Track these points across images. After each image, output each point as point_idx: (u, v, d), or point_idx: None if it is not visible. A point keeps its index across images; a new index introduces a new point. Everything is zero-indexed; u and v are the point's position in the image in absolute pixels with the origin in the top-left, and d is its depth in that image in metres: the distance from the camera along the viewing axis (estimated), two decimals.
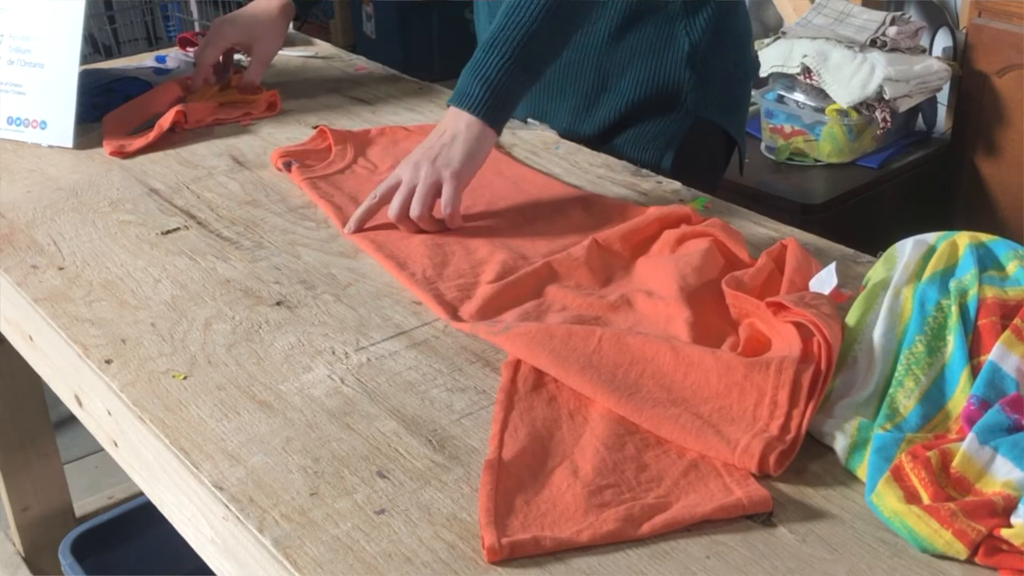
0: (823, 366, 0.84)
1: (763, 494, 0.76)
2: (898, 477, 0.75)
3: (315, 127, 1.44)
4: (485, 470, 0.78)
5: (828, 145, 2.44)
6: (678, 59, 1.40)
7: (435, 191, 1.14)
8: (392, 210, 1.15)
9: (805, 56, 2.42)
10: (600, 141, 1.46)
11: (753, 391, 0.83)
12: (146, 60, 1.74)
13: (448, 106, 1.20)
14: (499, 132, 1.20)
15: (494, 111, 1.18)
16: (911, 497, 0.74)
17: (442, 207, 1.14)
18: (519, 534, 0.73)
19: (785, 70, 2.46)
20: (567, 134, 1.46)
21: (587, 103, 1.44)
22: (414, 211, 1.14)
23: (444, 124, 1.19)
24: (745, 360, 0.85)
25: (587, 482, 0.77)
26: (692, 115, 1.43)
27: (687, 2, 1.39)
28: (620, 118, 1.44)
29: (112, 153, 1.40)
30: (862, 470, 0.78)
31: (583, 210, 1.20)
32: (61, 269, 1.11)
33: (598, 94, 1.43)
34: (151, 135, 1.43)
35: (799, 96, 2.47)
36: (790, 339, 0.87)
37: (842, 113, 2.40)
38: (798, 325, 0.87)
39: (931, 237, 0.96)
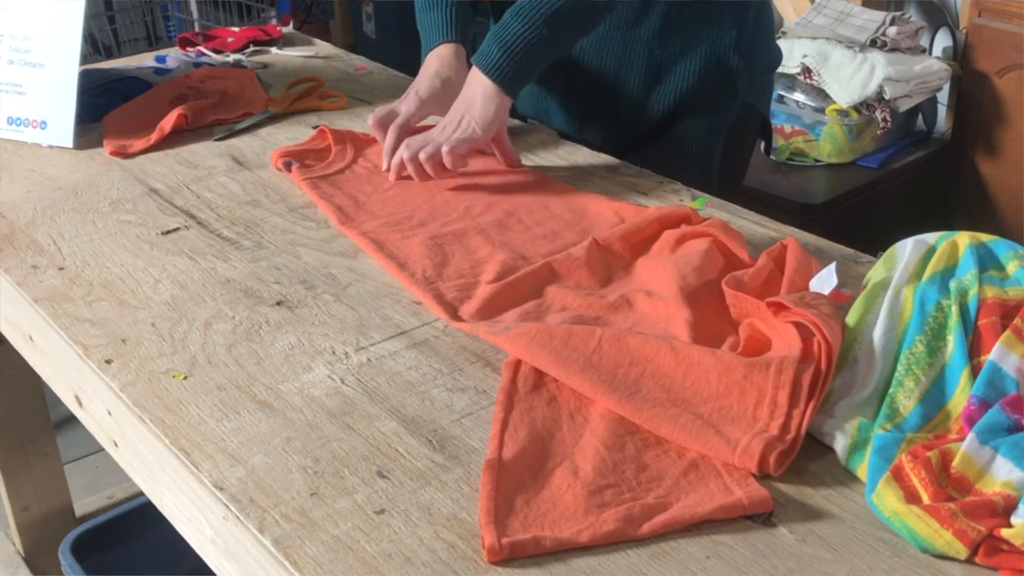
0: (823, 366, 0.84)
1: (763, 494, 0.76)
2: (898, 477, 0.75)
3: (315, 127, 1.44)
4: (485, 470, 0.78)
5: (828, 145, 2.44)
6: (728, 46, 1.40)
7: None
8: (408, 152, 1.25)
9: (805, 56, 2.42)
10: (654, 135, 1.46)
11: (753, 391, 0.83)
12: (146, 60, 1.74)
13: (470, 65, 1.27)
14: (514, 97, 1.26)
15: (511, 78, 1.24)
16: (911, 497, 0.74)
17: (444, 152, 1.23)
18: (519, 534, 0.73)
19: (785, 70, 2.46)
20: (621, 130, 1.46)
21: (641, 97, 1.44)
22: (423, 155, 1.23)
23: (468, 84, 1.27)
24: (745, 360, 0.85)
25: (587, 482, 0.77)
26: (740, 101, 1.44)
27: None
28: (674, 109, 1.43)
29: (113, 153, 1.40)
30: (862, 470, 0.78)
31: (582, 210, 1.20)
32: (61, 269, 1.11)
33: (651, 87, 1.43)
34: (152, 136, 1.43)
35: (799, 96, 2.47)
36: (790, 339, 0.87)
37: (842, 113, 2.40)
38: (798, 325, 0.87)
39: (931, 237, 0.96)
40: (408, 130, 1.33)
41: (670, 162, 1.35)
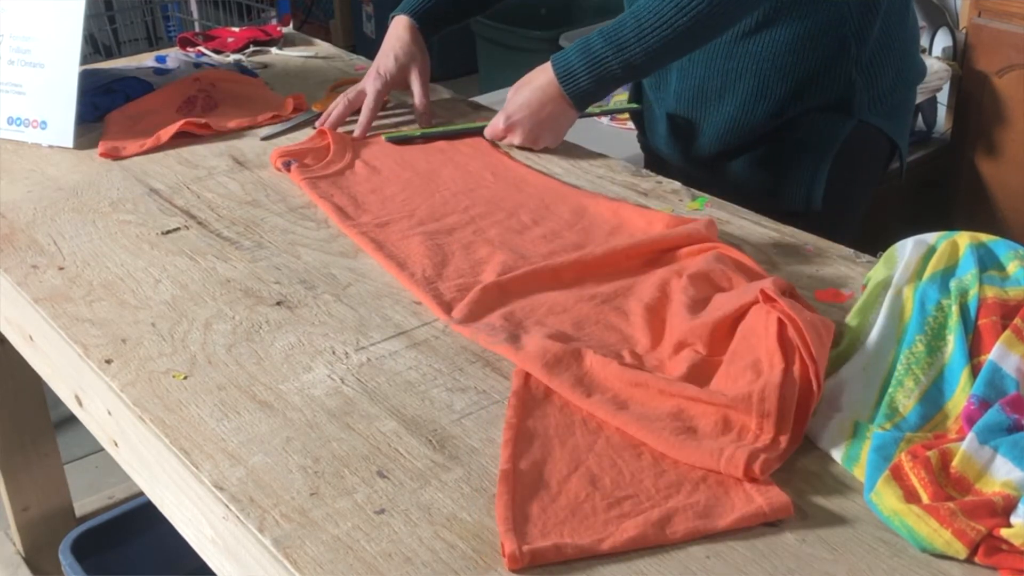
0: (812, 384, 0.82)
1: (784, 500, 0.75)
2: (897, 476, 0.75)
3: (315, 127, 1.44)
4: (501, 480, 0.77)
5: None
6: (846, 63, 1.33)
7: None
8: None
9: None
10: (756, 146, 1.40)
11: (737, 421, 0.82)
12: (146, 60, 1.74)
13: (550, 60, 1.31)
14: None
15: (588, 102, 1.32)
16: (910, 497, 0.74)
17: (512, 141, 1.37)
18: (539, 541, 0.72)
19: None
20: (722, 137, 1.41)
21: (746, 108, 1.37)
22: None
23: (546, 96, 1.32)
24: (727, 396, 0.83)
25: (606, 494, 0.77)
26: (855, 119, 1.37)
27: (858, 5, 1.32)
28: (780, 124, 1.37)
29: (103, 154, 1.39)
30: (859, 469, 0.78)
31: (582, 210, 1.20)
32: (61, 269, 1.11)
33: (757, 100, 1.36)
34: (148, 143, 1.41)
35: None
36: (772, 356, 0.85)
37: None
38: (782, 343, 0.86)
39: (931, 237, 0.96)
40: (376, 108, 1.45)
41: (766, 177, 1.29)
